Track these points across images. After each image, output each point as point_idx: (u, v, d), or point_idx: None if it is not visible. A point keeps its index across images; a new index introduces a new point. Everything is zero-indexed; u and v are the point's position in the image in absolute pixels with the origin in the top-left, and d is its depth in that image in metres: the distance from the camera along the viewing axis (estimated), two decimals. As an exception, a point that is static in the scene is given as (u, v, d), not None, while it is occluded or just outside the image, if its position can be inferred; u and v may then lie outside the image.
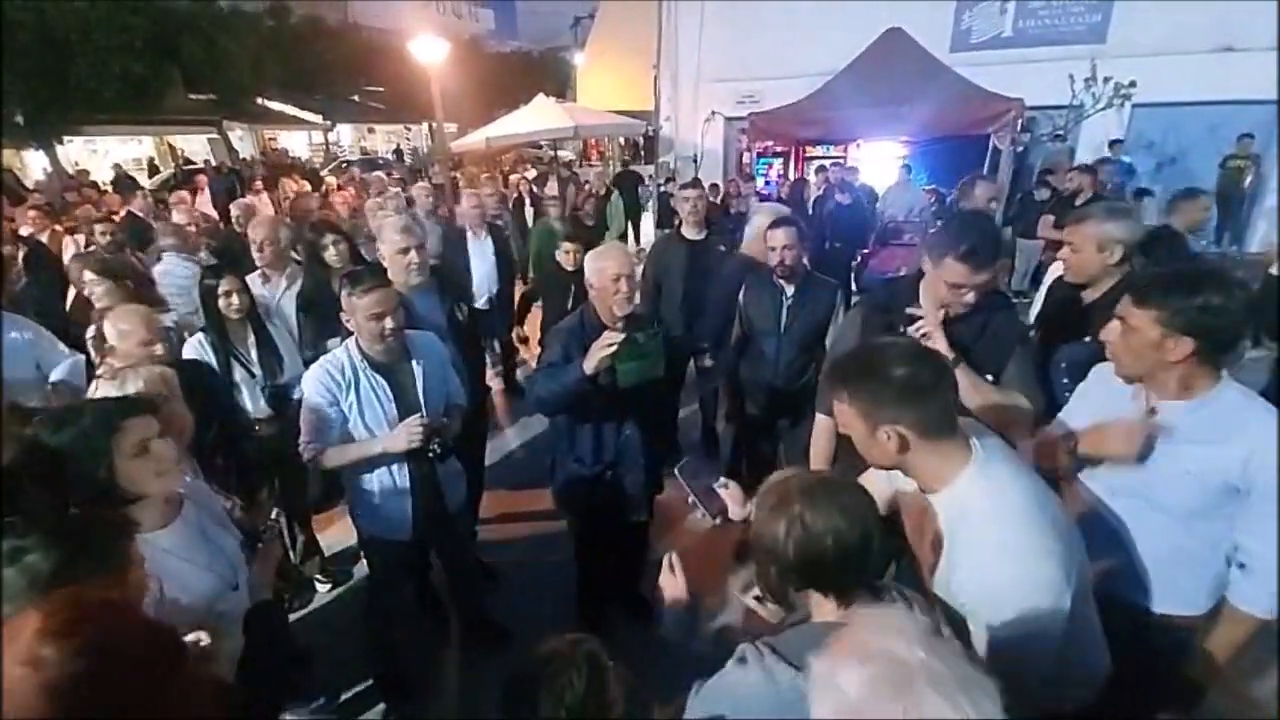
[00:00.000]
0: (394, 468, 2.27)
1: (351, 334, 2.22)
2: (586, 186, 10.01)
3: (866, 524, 1.07)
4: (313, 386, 2.17)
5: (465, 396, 2.58)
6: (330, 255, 3.34)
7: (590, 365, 2.10)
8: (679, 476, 1.70)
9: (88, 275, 3.15)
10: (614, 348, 2.08)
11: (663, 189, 9.13)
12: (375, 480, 2.28)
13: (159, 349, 2.30)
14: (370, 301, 2.08)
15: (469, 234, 4.82)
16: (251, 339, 2.84)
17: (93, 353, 2.94)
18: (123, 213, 7.01)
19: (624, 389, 2.24)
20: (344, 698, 2.64)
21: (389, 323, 2.11)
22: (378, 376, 2.19)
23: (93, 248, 5.10)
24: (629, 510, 2.57)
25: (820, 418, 2.38)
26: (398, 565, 2.44)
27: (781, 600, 1.19)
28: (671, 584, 1.48)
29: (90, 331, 3.01)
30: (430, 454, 2.21)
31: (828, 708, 0.76)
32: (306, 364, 2.85)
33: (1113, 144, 8.23)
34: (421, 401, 2.25)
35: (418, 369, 2.27)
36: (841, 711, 0.74)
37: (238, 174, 14.80)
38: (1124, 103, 8.21)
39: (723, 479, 1.71)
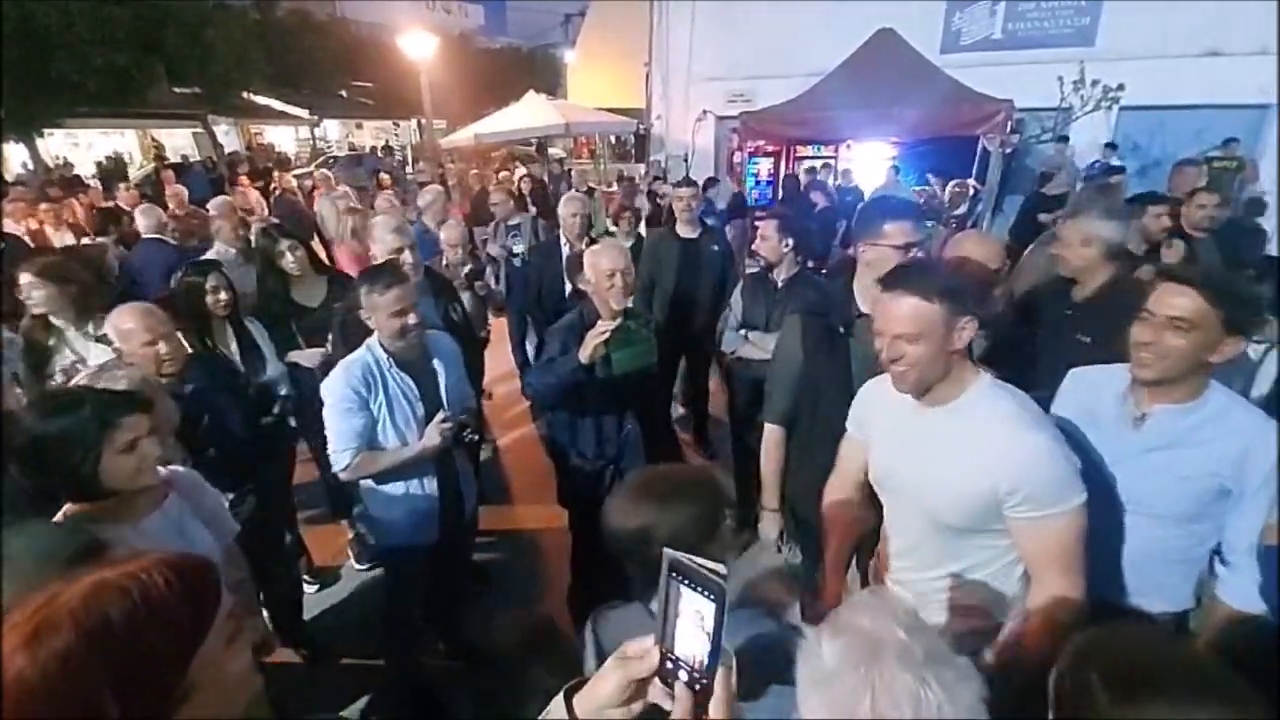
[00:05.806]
0: (421, 470, 2.26)
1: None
2: (614, 192, 9.14)
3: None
4: (339, 391, 2.11)
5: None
6: (287, 262, 3.10)
7: (585, 354, 2.15)
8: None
9: (25, 278, 2.69)
10: (606, 334, 2.13)
11: (653, 188, 9.06)
12: (403, 487, 2.26)
13: (163, 348, 2.17)
14: (392, 298, 2.08)
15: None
16: (233, 338, 2.79)
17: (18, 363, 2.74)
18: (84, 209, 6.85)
19: (622, 383, 2.29)
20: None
21: (411, 318, 2.13)
22: (404, 375, 2.19)
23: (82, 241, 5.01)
24: None
25: (770, 428, 2.26)
26: (418, 574, 2.40)
27: None
28: None
29: (6, 331, 2.82)
30: (467, 441, 2.27)
31: (807, 672, 0.81)
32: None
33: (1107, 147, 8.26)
34: (444, 399, 2.26)
35: (439, 367, 2.28)
36: (817, 677, 0.79)
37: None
38: (1112, 105, 8.26)
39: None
